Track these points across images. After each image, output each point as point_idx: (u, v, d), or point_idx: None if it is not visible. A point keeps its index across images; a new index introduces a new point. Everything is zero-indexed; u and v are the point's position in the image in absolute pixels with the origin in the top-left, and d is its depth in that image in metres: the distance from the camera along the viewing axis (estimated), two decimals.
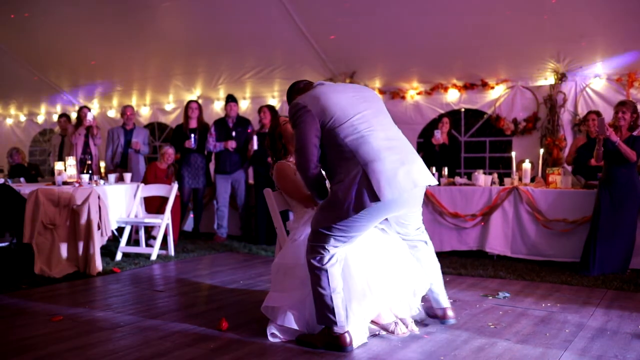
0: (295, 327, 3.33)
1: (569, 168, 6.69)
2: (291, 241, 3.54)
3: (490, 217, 6.11)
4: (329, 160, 3.18)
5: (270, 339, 3.37)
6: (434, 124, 7.62)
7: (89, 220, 5.39)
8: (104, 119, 10.32)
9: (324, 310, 3.15)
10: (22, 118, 11.80)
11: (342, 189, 3.03)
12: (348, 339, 3.15)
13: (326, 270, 3.13)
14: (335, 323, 3.14)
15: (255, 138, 7.10)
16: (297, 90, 3.47)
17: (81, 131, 7.67)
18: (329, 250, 3.15)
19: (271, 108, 7.45)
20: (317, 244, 3.17)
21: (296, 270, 3.40)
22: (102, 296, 4.62)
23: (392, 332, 3.40)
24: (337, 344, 3.16)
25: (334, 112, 3.10)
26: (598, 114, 6.31)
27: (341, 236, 3.13)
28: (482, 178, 6.36)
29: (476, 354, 3.15)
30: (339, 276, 3.17)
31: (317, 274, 3.15)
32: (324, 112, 3.10)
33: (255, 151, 7.19)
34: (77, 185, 5.79)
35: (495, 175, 6.47)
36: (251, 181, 8.00)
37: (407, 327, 3.46)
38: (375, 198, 2.97)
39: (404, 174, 3.03)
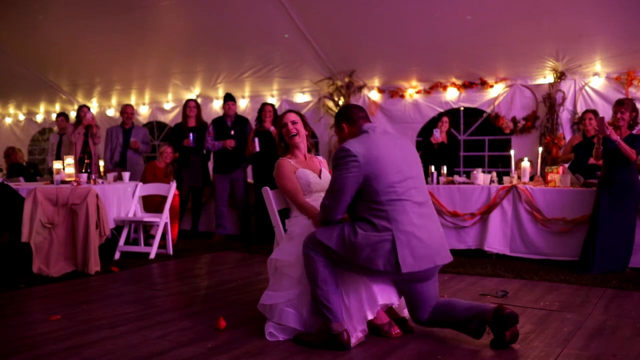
0: (292, 325, 3.32)
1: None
2: (288, 238, 3.53)
3: (489, 216, 6.11)
4: (358, 208, 3.17)
5: (268, 337, 3.36)
6: (433, 122, 7.61)
7: (87, 220, 5.39)
8: (103, 118, 10.31)
9: (320, 305, 3.16)
10: (21, 117, 11.79)
11: (367, 241, 3.06)
12: (346, 338, 3.15)
13: (322, 268, 3.15)
14: (330, 320, 3.14)
15: (257, 140, 7.08)
16: (347, 118, 3.35)
17: (80, 130, 7.66)
18: (322, 259, 3.19)
19: (273, 107, 7.44)
20: (314, 249, 3.19)
21: (292, 268, 3.39)
22: (100, 295, 4.61)
23: (387, 332, 3.39)
24: (336, 342, 3.15)
25: (380, 171, 3.08)
26: (595, 113, 6.31)
27: (335, 262, 3.19)
28: (481, 177, 6.36)
29: (474, 353, 3.15)
30: (334, 275, 3.19)
31: (313, 270, 3.17)
32: (372, 167, 3.07)
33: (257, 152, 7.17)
34: (75, 184, 5.78)
35: (494, 174, 6.46)
36: (250, 180, 8.00)
37: (403, 327, 3.45)
38: (393, 267, 3.03)
39: (428, 253, 3.09)
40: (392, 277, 3.22)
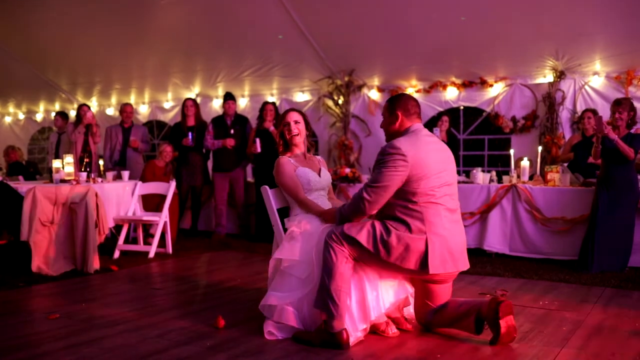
0: (292, 324, 3.32)
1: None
2: (289, 238, 3.52)
3: (488, 215, 6.10)
4: (392, 207, 3.21)
5: (267, 336, 3.36)
6: (432, 122, 7.60)
7: (86, 218, 5.38)
8: (103, 117, 10.30)
9: (327, 298, 3.14)
10: (21, 116, 11.78)
11: (401, 241, 3.12)
12: (345, 336, 3.15)
13: (343, 263, 3.16)
14: (333, 316, 3.13)
15: (258, 141, 7.08)
16: (405, 108, 3.33)
17: (81, 129, 7.66)
18: (346, 253, 3.19)
19: (275, 106, 7.44)
20: (338, 242, 3.19)
21: (298, 268, 3.38)
22: (99, 294, 4.61)
23: (383, 332, 3.39)
24: (335, 341, 3.15)
25: (424, 174, 3.14)
26: (594, 112, 6.30)
27: (359, 257, 3.21)
28: (481, 176, 6.35)
29: (473, 352, 3.15)
30: (351, 273, 3.21)
31: (332, 262, 3.16)
32: (417, 169, 3.13)
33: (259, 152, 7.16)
34: (74, 183, 5.78)
35: (494, 173, 6.46)
36: (250, 179, 8.00)
37: (400, 327, 3.46)
38: (423, 267, 3.11)
39: (454, 258, 3.19)
40: (416, 277, 3.27)
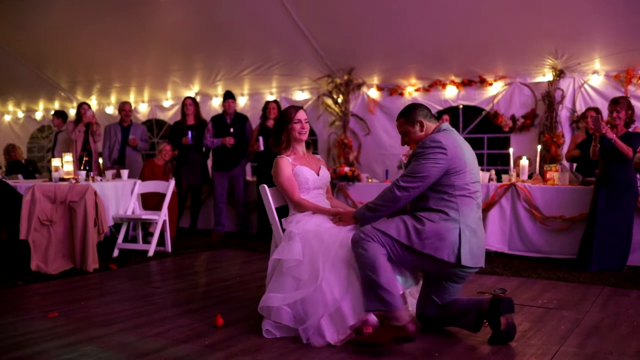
0: (286, 323, 3.30)
1: (567, 165, 6.68)
2: (287, 238, 3.50)
3: (487, 214, 6.10)
4: (428, 199, 3.24)
5: (265, 335, 3.36)
6: None
7: (85, 217, 5.38)
8: (102, 116, 10.30)
9: (381, 293, 3.08)
10: (20, 115, 11.78)
11: (435, 230, 3.15)
12: (412, 328, 3.08)
13: (382, 256, 3.16)
14: (393, 308, 3.07)
15: (261, 139, 7.08)
16: (424, 115, 3.41)
17: (81, 128, 7.66)
18: (381, 248, 3.19)
19: (278, 104, 7.45)
20: (371, 238, 3.18)
21: (295, 269, 3.36)
22: (98, 293, 4.61)
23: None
24: (405, 334, 3.05)
25: (462, 168, 3.21)
26: (597, 110, 6.29)
27: (392, 251, 3.20)
28: (480, 175, 6.34)
29: (471, 350, 3.15)
30: (389, 264, 3.20)
31: (372, 258, 3.14)
32: (456, 162, 3.19)
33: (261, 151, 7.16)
34: (74, 181, 5.78)
35: (493, 171, 6.47)
36: (249, 177, 8.00)
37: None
38: (455, 258, 3.14)
39: (479, 253, 3.24)
40: (445, 270, 3.25)
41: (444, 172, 3.18)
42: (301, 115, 3.77)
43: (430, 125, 3.39)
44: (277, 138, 3.80)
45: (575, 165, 6.53)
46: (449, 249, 3.14)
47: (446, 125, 3.39)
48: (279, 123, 3.81)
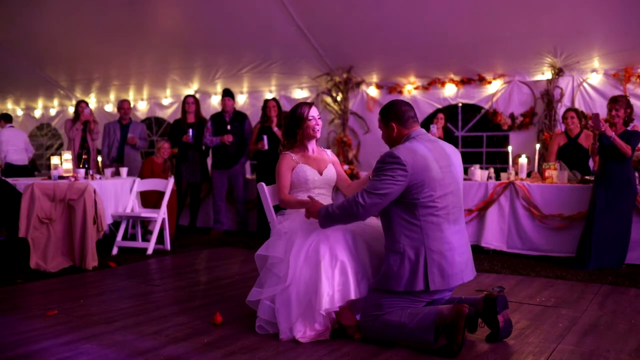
0: (265, 317, 3.34)
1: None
2: (277, 235, 3.50)
3: (486, 212, 6.11)
4: (390, 219, 3.15)
5: (258, 330, 3.39)
6: (431, 119, 7.61)
7: (84, 215, 5.39)
8: (101, 114, 10.30)
9: (432, 324, 3.03)
10: (19, 112, 11.77)
11: (403, 269, 3.07)
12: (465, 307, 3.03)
13: (396, 314, 3.13)
14: (435, 323, 3.03)
15: (265, 138, 7.09)
16: (397, 118, 3.25)
17: (79, 126, 7.66)
18: (389, 309, 3.15)
19: (276, 101, 7.46)
20: (377, 310, 3.16)
21: (278, 265, 3.35)
22: (97, 291, 4.62)
23: (351, 335, 3.34)
24: (464, 314, 3.00)
25: (425, 183, 3.05)
26: (576, 111, 6.30)
27: (392, 305, 3.16)
28: (479, 173, 6.36)
29: (469, 348, 3.15)
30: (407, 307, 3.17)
31: (394, 324, 3.12)
32: (418, 177, 3.04)
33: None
34: (73, 179, 5.78)
35: (492, 170, 6.47)
36: (248, 175, 8.00)
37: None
38: (425, 285, 3.05)
39: (457, 271, 3.11)
40: (423, 297, 3.17)
41: (407, 189, 3.04)
42: (314, 111, 3.69)
43: (402, 130, 3.24)
44: (290, 137, 3.74)
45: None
46: (421, 278, 3.05)
47: (416, 132, 3.22)
48: (293, 122, 3.70)
